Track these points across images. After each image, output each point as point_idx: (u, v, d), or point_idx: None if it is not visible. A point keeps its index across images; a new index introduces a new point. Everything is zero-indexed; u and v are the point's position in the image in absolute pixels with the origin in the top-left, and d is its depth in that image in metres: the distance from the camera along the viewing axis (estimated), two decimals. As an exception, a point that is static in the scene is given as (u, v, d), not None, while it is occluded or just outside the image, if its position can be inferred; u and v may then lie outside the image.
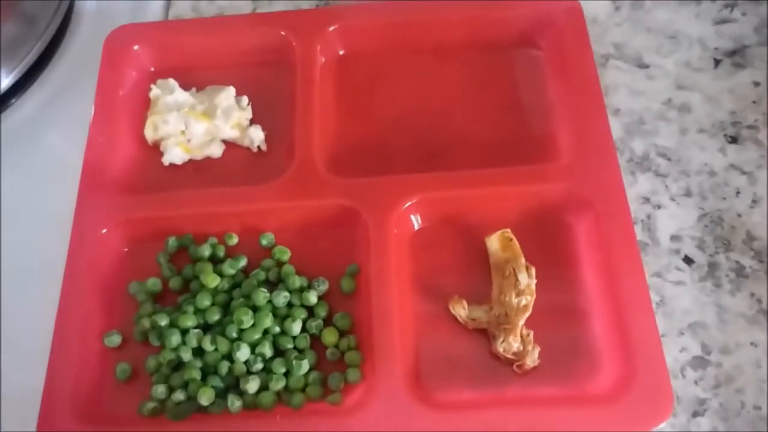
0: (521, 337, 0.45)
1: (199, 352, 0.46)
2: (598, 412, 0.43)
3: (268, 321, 0.45)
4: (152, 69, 0.58)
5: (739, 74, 0.56)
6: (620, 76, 0.56)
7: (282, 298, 0.46)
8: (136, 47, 0.57)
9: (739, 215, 0.50)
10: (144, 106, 0.56)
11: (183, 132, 0.53)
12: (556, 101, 0.54)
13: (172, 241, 0.50)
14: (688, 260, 0.49)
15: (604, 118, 0.51)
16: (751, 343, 0.46)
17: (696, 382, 0.45)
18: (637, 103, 0.55)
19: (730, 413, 0.45)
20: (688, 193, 0.51)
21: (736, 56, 0.57)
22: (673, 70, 0.56)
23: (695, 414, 0.45)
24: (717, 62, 0.57)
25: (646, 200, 0.51)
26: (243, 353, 0.44)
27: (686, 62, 0.57)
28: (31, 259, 0.51)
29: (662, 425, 0.42)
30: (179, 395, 0.44)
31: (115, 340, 0.47)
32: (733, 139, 0.53)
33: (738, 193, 0.51)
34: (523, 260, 0.47)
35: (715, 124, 0.54)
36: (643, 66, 0.57)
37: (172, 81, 0.56)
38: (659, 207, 0.51)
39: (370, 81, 0.56)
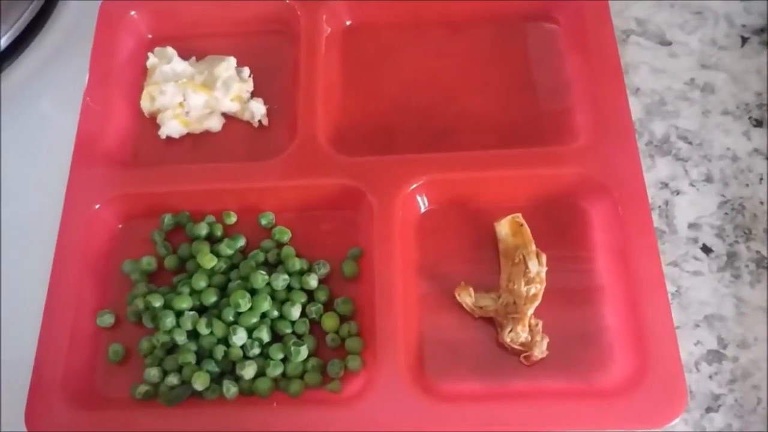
0: (529, 327, 0.43)
1: (194, 335, 0.44)
2: (607, 408, 0.41)
3: (266, 304, 0.44)
4: (150, 36, 0.56)
5: (767, 53, 0.53)
6: (641, 54, 0.54)
7: (281, 280, 0.45)
8: (132, 13, 0.55)
9: (762, 203, 0.48)
10: (141, 75, 0.54)
11: (181, 104, 0.52)
12: (573, 79, 0.52)
13: (167, 218, 0.48)
14: (706, 249, 0.47)
15: (624, 98, 0.49)
16: (770, 338, 0.45)
17: (711, 377, 0.44)
18: (659, 83, 0.53)
19: (746, 410, 0.43)
20: (708, 179, 0.49)
21: (764, 34, 0.54)
22: (698, 47, 0.54)
23: (709, 410, 0.43)
24: (744, 40, 0.54)
25: (665, 186, 0.49)
26: (239, 337, 0.43)
27: (711, 40, 0.54)
28: (22, 234, 0.50)
29: (674, 421, 0.40)
30: (173, 379, 0.43)
31: (108, 320, 0.46)
32: (759, 123, 0.51)
33: (761, 179, 0.49)
34: (533, 247, 0.45)
35: (740, 106, 0.52)
36: (665, 43, 0.54)
37: (170, 49, 0.54)
38: (678, 193, 0.49)
39: (378, 54, 0.54)
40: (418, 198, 0.48)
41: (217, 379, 0.43)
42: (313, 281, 0.45)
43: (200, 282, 0.45)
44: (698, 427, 0.43)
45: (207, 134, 0.52)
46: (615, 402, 0.41)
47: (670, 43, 0.54)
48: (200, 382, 0.42)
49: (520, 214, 0.46)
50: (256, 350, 0.43)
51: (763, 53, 0.53)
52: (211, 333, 0.44)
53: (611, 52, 0.50)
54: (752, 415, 0.43)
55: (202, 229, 0.47)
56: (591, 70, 0.50)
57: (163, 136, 0.52)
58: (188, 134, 0.52)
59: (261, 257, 0.46)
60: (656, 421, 0.41)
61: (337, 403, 0.42)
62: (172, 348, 0.44)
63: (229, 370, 0.44)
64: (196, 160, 0.51)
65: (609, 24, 0.51)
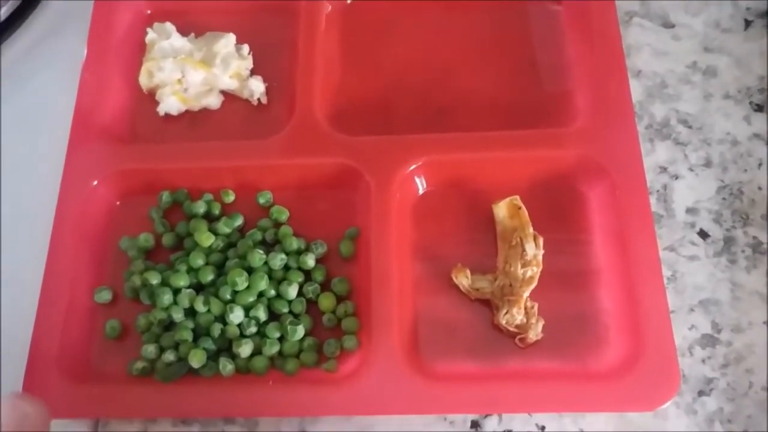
0: (525, 309, 0.43)
1: (191, 312, 0.44)
2: (600, 389, 0.42)
3: (263, 283, 0.44)
4: (148, 12, 0.56)
5: (770, 37, 0.53)
6: (644, 35, 0.53)
7: (278, 260, 0.45)
8: (130, -13, 0.55)
9: (760, 188, 0.48)
10: (139, 51, 0.53)
11: (179, 80, 0.51)
12: (574, 60, 0.51)
13: (165, 195, 0.48)
14: (703, 234, 0.47)
15: (625, 81, 0.48)
16: (764, 323, 0.45)
17: (704, 361, 0.44)
18: (660, 65, 0.52)
19: (738, 393, 0.43)
20: (707, 164, 0.49)
21: (768, 17, 0.53)
22: (701, 30, 0.53)
23: (701, 393, 0.43)
24: (748, 23, 0.53)
25: (664, 170, 0.49)
26: (236, 316, 0.43)
27: (715, 22, 0.53)
28: (20, 210, 0.49)
29: (666, 404, 0.41)
30: (169, 356, 0.43)
31: (105, 296, 0.46)
32: (760, 107, 0.51)
33: (760, 164, 0.49)
34: (531, 229, 0.45)
35: (742, 90, 0.51)
36: (668, 25, 0.54)
37: (169, 25, 0.53)
38: (677, 177, 0.49)
39: (378, 33, 0.54)
40: (417, 179, 0.48)
41: (213, 357, 0.43)
42: (310, 261, 0.45)
43: (198, 260, 0.45)
44: (690, 410, 0.43)
45: (205, 111, 0.52)
46: (608, 384, 0.41)
47: (673, 26, 0.54)
48: (197, 359, 0.42)
49: (518, 197, 0.46)
50: (253, 329, 0.43)
51: (766, 37, 0.53)
52: (208, 311, 0.44)
53: (613, 34, 0.50)
54: (744, 399, 0.43)
55: (200, 207, 0.47)
56: (592, 51, 0.50)
57: (162, 113, 0.51)
58: (187, 111, 0.52)
59: (258, 236, 0.46)
60: (649, 404, 0.41)
61: (332, 382, 0.42)
62: (169, 325, 0.45)
63: (225, 347, 0.44)
64: (195, 137, 0.51)
65: (612, 5, 0.51)
